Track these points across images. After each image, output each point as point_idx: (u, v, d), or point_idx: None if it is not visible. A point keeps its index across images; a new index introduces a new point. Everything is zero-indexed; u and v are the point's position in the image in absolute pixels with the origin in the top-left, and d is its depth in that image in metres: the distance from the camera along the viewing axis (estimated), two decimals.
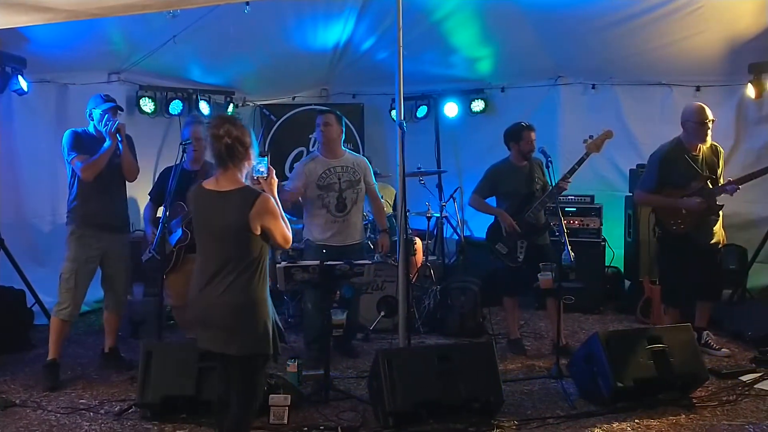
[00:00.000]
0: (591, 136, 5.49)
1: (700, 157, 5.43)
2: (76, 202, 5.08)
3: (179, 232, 5.24)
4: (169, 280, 5.29)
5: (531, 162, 5.77)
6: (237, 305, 3.25)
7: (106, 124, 4.97)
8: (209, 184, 3.37)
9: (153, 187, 5.63)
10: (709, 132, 5.36)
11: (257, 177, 3.44)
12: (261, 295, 3.32)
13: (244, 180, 3.36)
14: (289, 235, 3.39)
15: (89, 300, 6.18)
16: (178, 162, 5.08)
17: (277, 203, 3.37)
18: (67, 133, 5.07)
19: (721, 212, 5.46)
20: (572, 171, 5.45)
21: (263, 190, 3.39)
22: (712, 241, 5.45)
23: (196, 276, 3.39)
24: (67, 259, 5.05)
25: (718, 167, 5.47)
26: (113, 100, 5.13)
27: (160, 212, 5.37)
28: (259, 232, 3.26)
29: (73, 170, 5.05)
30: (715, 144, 5.53)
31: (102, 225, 5.10)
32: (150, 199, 5.55)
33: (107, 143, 4.96)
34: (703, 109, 5.38)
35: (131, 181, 5.31)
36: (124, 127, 5.05)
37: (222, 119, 3.37)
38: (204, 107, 7.87)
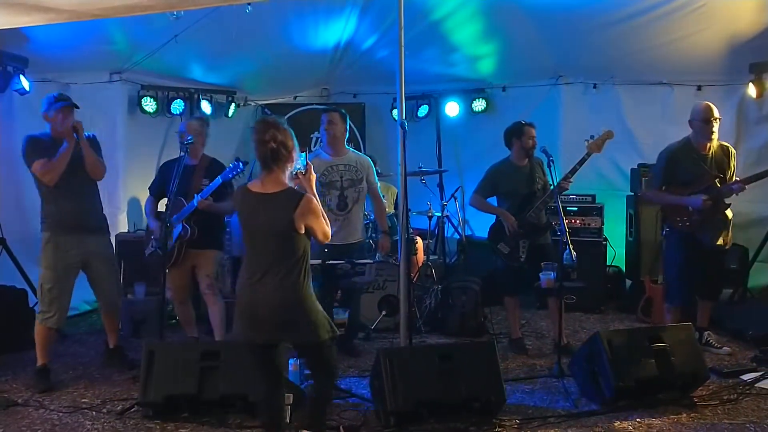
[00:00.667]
0: (592, 136, 5.50)
1: (709, 156, 5.43)
2: (48, 207, 4.98)
3: (179, 227, 5.25)
4: (170, 275, 5.29)
5: (532, 161, 5.78)
6: (288, 302, 3.42)
7: (62, 124, 4.85)
8: (254, 187, 3.50)
9: (153, 182, 5.63)
10: (715, 130, 5.37)
11: (296, 172, 3.56)
12: (307, 291, 3.50)
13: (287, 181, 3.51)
14: (329, 230, 3.60)
15: (90, 299, 6.21)
16: (179, 157, 5.10)
17: (316, 198, 3.53)
18: (24, 139, 4.95)
19: (730, 213, 5.46)
20: (573, 171, 5.47)
21: (300, 186, 3.56)
22: (718, 243, 5.45)
23: (243, 274, 3.53)
24: (46, 268, 4.94)
25: (729, 168, 5.46)
26: (66, 99, 4.98)
27: (161, 206, 5.44)
28: (303, 231, 3.44)
29: (35, 176, 4.94)
30: (727, 144, 5.53)
31: (77, 227, 4.99)
32: (150, 194, 5.56)
33: (65, 144, 4.84)
34: (709, 107, 5.39)
35: (98, 179, 5.17)
36: (81, 125, 4.90)
37: (267, 124, 3.48)
38: (206, 107, 7.89)
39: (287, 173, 3.51)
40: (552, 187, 5.46)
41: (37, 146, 4.91)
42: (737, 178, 5.39)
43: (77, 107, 5.04)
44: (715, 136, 5.39)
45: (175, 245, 5.26)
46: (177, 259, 5.29)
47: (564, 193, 5.71)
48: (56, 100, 4.94)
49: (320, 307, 3.56)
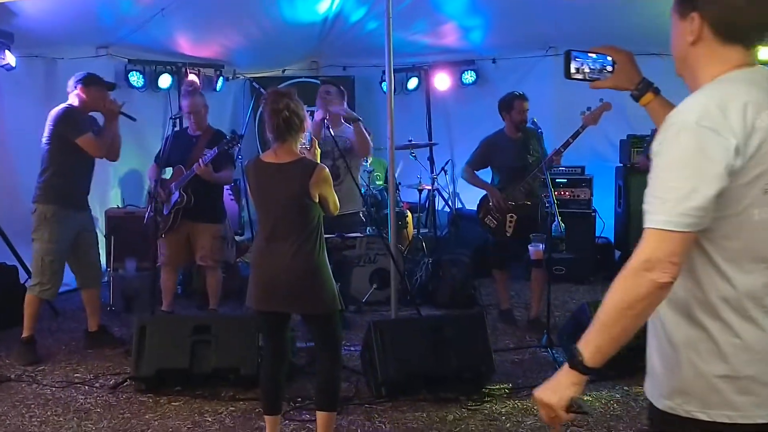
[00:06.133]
0: (589, 108, 5.29)
1: None
2: (55, 180, 4.98)
3: (176, 194, 5.31)
4: (165, 240, 5.44)
5: (526, 132, 5.64)
6: (305, 271, 3.45)
7: (111, 103, 5.00)
8: (268, 157, 3.53)
9: (159, 151, 5.63)
10: None
11: (300, 148, 3.59)
12: (323, 259, 3.54)
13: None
14: (338, 202, 3.64)
15: None
16: (170, 133, 5.26)
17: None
18: (66, 110, 4.95)
19: None
20: (566, 144, 5.31)
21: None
22: None
23: (259, 244, 3.57)
24: (48, 241, 4.95)
25: None
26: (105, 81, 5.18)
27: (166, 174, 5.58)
28: (317, 200, 3.47)
29: (50, 148, 4.95)
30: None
31: (78, 203, 5.13)
32: (155, 162, 5.59)
33: (110, 123, 5.03)
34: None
35: (115, 160, 5.36)
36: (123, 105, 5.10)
37: (279, 94, 3.49)
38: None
39: (299, 144, 3.54)
40: (544, 159, 5.42)
41: (83, 119, 5.01)
42: None
43: (116, 87, 5.31)
44: None
45: (171, 212, 5.33)
46: (173, 226, 5.37)
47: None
48: (103, 82, 5.15)
49: (332, 278, 3.58)
